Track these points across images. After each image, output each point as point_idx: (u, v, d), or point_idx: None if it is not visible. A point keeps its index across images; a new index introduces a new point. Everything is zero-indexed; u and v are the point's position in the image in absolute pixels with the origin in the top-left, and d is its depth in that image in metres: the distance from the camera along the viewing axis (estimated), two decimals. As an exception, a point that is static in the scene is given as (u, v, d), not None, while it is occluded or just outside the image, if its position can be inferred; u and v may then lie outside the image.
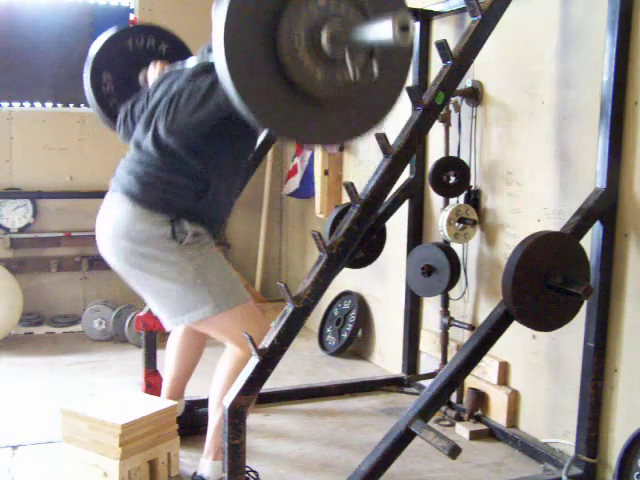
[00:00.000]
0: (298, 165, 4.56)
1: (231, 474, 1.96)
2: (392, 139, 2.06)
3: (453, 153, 3.18)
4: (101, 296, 4.65)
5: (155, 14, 4.52)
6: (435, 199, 3.39)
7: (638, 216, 2.41)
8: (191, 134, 2.33)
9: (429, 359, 3.49)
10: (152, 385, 3.00)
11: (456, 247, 3.16)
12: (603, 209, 2.40)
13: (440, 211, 3.10)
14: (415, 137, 2.05)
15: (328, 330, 4.24)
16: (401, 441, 2.11)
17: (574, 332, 2.53)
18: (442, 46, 2.07)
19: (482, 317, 3.04)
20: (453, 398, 3.17)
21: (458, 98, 3.14)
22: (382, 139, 2.02)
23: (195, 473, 2.50)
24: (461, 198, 3.16)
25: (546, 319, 2.19)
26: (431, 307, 3.48)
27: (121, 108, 2.65)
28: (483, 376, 3.09)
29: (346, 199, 4.00)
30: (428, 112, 2.06)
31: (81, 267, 4.63)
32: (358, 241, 2.05)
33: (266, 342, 1.96)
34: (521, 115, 2.90)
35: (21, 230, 4.51)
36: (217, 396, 2.41)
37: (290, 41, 1.75)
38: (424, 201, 3.48)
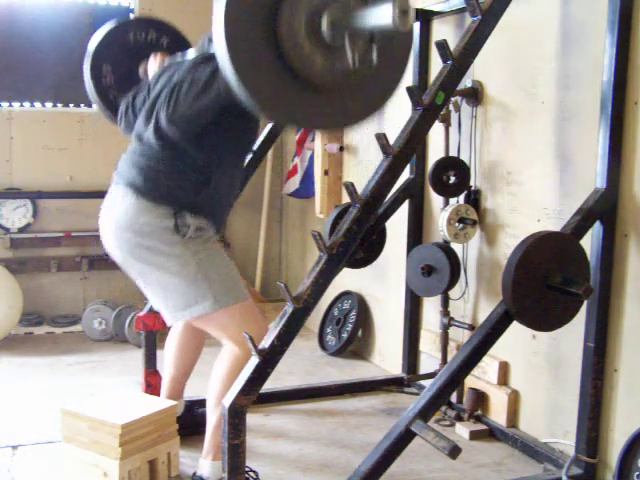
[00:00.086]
0: (298, 165, 4.56)
1: (231, 474, 1.96)
2: (392, 139, 2.06)
3: (453, 153, 3.18)
4: (101, 296, 4.65)
5: (155, 14, 4.51)
6: (435, 199, 3.39)
7: (638, 216, 2.41)
8: (192, 124, 2.32)
9: (429, 359, 3.49)
10: (152, 385, 3.00)
11: (456, 247, 3.16)
12: (603, 209, 2.40)
13: (440, 211, 3.10)
14: (415, 137, 2.05)
15: (328, 330, 4.24)
16: (401, 441, 2.11)
17: (574, 332, 2.53)
18: (442, 46, 2.07)
19: (482, 317, 3.04)
20: (453, 398, 3.17)
21: (458, 98, 3.14)
22: (382, 139, 2.02)
23: (195, 473, 2.50)
24: (461, 198, 3.16)
25: (546, 319, 2.19)
26: (431, 307, 3.48)
27: (122, 101, 2.65)
28: (483, 376, 3.09)
29: (346, 199, 3.99)
30: (428, 112, 2.06)
31: (81, 267, 4.63)
32: (358, 241, 2.05)
33: (266, 342, 1.96)
34: (521, 115, 2.90)
35: (21, 230, 4.51)
36: (215, 396, 2.41)
37: (290, 27, 1.76)
38: (424, 201, 3.48)
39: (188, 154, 2.35)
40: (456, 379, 2.18)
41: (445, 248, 3.11)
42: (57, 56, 4.52)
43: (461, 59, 2.09)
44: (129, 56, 2.81)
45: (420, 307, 3.57)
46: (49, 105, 4.65)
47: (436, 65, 3.22)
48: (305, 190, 4.55)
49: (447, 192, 3.13)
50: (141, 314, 2.99)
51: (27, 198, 4.51)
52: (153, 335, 3.03)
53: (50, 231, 4.58)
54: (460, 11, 3.12)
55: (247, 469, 2.39)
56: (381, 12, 1.67)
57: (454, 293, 3.24)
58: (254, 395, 1.95)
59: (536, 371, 2.87)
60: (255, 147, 3.11)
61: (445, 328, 3.23)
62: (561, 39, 2.69)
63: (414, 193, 3.44)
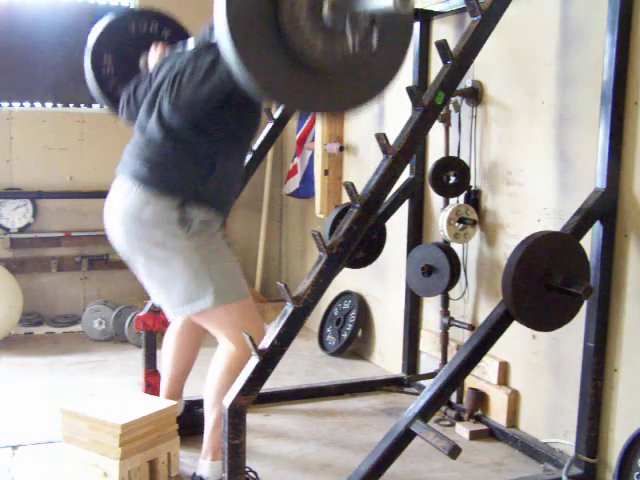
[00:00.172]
0: (298, 165, 4.56)
1: (231, 474, 1.96)
2: (392, 139, 2.06)
3: (453, 153, 3.18)
4: (101, 296, 4.65)
5: (155, 14, 4.53)
6: (435, 199, 3.39)
7: (638, 216, 2.41)
8: (195, 112, 2.32)
9: (429, 359, 3.49)
10: (152, 385, 3.00)
11: (456, 247, 3.16)
12: (603, 209, 2.40)
13: (440, 211, 3.10)
14: (415, 137, 2.05)
15: (328, 330, 4.24)
16: (401, 441, 2.11)
17: (574, 332, 2.53)
18: (442, 46, 2.07)
19: (482, 317, 3.04)
20: (453, 398, 3.16)
21: (458, 98, 3.14)
22: (382, 139, 2.02)
23: (195, 474, 2.50)
24: (461, 198, 3.16)
25: (546, 319, 2.20)
26: (431, 307, 3.48)
27: (123, 91, 2.65)
28: (483, 376, 3.09)
29: (346, 199, 3.99)
30: (428, 112, 2.06)
31: (81, 267, 4.63)
32: (358, 241, 2.05)
33: (266, 342, 1.96)
34: (521, 115, 2.90)
35: (21, 230, 4.51)
36: (212, 395, 2.40)
37: (292, 10, 1.76)
38: (424, 201, 3.48)
39: (191, 143, 2.35)
40: (456, 379, 2.18)
41: (445, 248, 3.11)
42: (57, 56, 4.51)
43: (461, 59, 2.09)
44: (130, 47, 2.81)
45: (420, 307, 3.57)
46: (49, 105, 4.65)
47: (436, 65, 3.22)
48: (305, 190, 4.55)
49: (447, 192, 3.13)
50: (141, 314, 2.99)
51: (27, 198, 4.51)
52: (153, 335, 3.03)
53: (50, 231, 4.58)
54: (460, 11, 3.12)
55: (247, 469, 2.39)
56: None
57: (454, 293, 3.24)
58: (254, 395, 1.95)
59: (536, 371, 2.87)
60: (255, 147, 3.12)
61: (445, 328, 3.23)
62: (561, 39, 2.69)
63: (414, 193, 3.44)
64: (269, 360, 1.95)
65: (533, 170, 2.84)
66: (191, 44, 2.55)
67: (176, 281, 2.35)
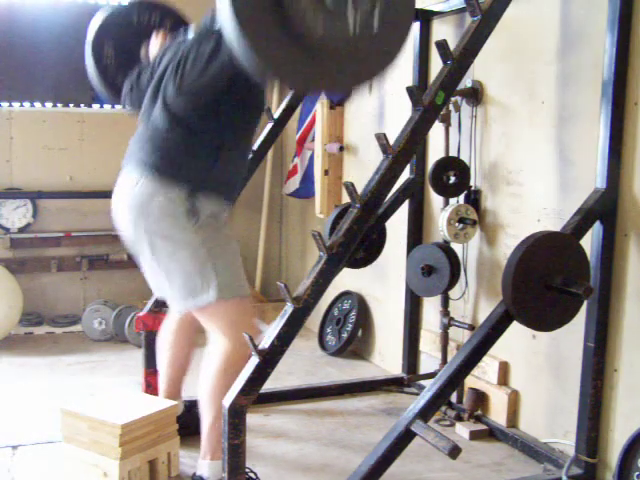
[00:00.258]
0: (298, 165, 4.56)
1: (231, 474, 1.96)
2: (392, 139, 2.06)
3: (453, 153, 3.18)
4: (101, 296, 4.65)
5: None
6: (435, 199, 3.39)
7: (638, 216, 2.41)
8: (199, 98, 2.32)
9: (429, 359, 3.49)
10: (152, 385, 2.99)
11: (456, 247, 3.16)
12: (603, 209, 2.40)
13: (440, 211, 3.10)
14: (415, 137, 2.05)
15: (328, 330, 4.24)
16: (401, 441, 2.11)
17: (574, 332, 2.53)
18: (442, 46, 2.07)
19: (482, 317, 3.04)
20: (453, 398, 3.17)
21: (458, 98, 3.14)
22: (382, 139, 2.02)
23: (195, 474, 2.49)
24: (461, 198, 3.16)
25: (546, 319, 2.19)
26: (431, 307, 3.48)
27: (125, 81, 2.64)
28: (483, 376, 3.09)
29: (346, 199, 3.99)
30: (428, 112, 2.06)
31: (81, 267, 4.63)
32: (358, 241, 2.05)
33: (266, 342, 1.96)
34: (521, 115, 2.90)
35: (21, 230, 4.51)
36: (207, 394, 2.39)
37: None
38: (424, 201, 3.48)
39: (196, 130, 2.34)
40: (456, 379, 2.18)
41: (445, 248, 3.11)
42: (57, 56, 4.52)
43: (461, 59, 2.09)
44: (131, 37, 2.80)
45: (420, 307, 3.57)
46: (49, 105, 4.65)
47: (436, 65, 3.22)
48: (305, 190, 4.55)
49: (447, 192, 3.13)
50: (141, 314, 2.99)
51: (27, 198, 4.51)
52: (153, 335, 3.02)
53: (50, 231, 4.58)
54: (460, 11, 3.12)
55: (247, 469, 2.39)
56: None
57: (454, 293, 3.24)
58: (254, 395, 1.95)
59: (536, 371, 2.87)
60: (255, 147, 3.11)
61: (445, 328, 3.23)
62: (561, 39, 2.69)
63: (414, 193, 3.44)
64: (269, 360, 1.95)
65: (533, 170, 2.84)
66: (192, 32, 2.54)
67: (181, 274, 2.34)
